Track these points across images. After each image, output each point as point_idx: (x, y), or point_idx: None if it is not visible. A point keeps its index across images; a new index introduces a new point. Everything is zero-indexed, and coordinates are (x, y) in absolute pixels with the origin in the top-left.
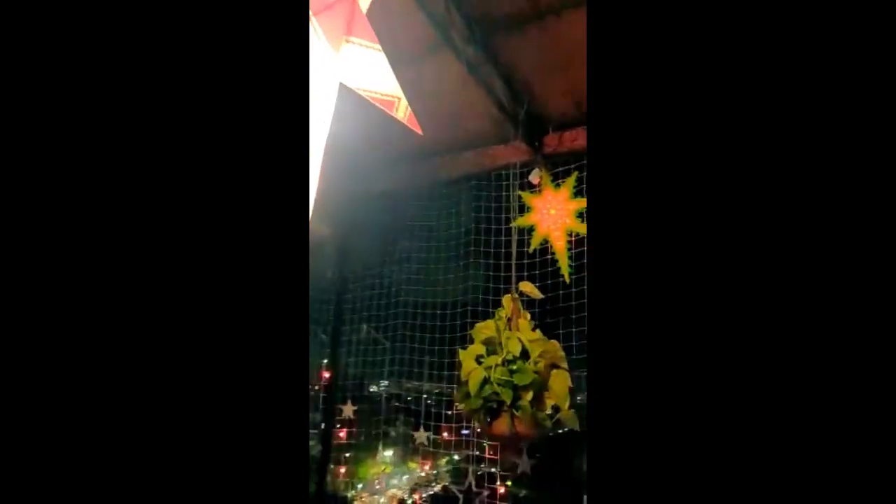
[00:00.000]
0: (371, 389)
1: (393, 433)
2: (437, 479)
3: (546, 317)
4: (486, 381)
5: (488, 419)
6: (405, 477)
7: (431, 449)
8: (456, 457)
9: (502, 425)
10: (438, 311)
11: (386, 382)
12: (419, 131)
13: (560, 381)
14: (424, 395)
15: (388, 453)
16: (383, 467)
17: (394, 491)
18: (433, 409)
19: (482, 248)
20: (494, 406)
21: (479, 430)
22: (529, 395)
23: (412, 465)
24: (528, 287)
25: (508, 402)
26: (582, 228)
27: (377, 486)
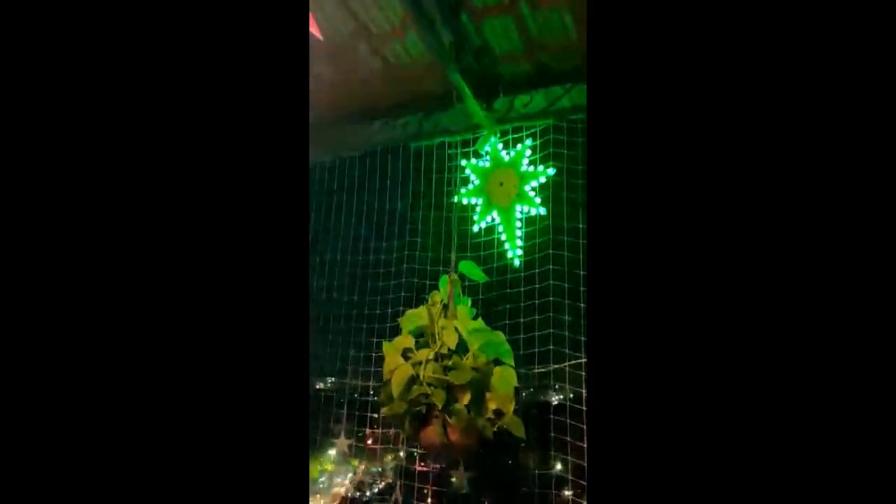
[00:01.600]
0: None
1: (338, 431)
2: (381, 476)
3: (490, 305)
4: (414, 379)
5: (416, 426)
6: (350, 475)
7: (355, 457)
8: (402, 453)
9: (432, 434)
10: (368, 298)
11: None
12: (318, 35)
13: (504, 380)
14: (352, 394)
15: (332, 452)
16: (326, 466)
17: (337, 489)
18: (356, 412)
19: (419, 226)
20: (423, 410)
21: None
22: (467, 397)
23: (354, 462)
24: (469, 268)
25: (440, 405)
26: (534, 204)
27: (320, 486)
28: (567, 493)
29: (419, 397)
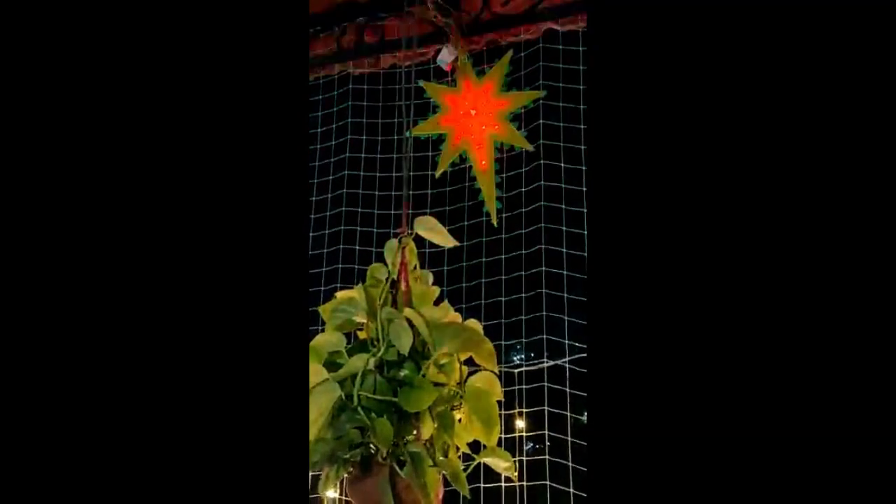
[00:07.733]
0: None
1: None
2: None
3: (460, 280)
4: (342, 405)
5: (348, 478)
6: None
7: None
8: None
9: (373, 491)
10: None
11: None
12: None
13: (485, 396)
14: None
15: None
16: None
17: None
18: None
19: (361, 172)
20: (359, 455)
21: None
22: (428, 428)
23: None
24: (431, 227)
25: (385, 445)
26: (518, 139)
27: None
28: None
29: (351, 433)
